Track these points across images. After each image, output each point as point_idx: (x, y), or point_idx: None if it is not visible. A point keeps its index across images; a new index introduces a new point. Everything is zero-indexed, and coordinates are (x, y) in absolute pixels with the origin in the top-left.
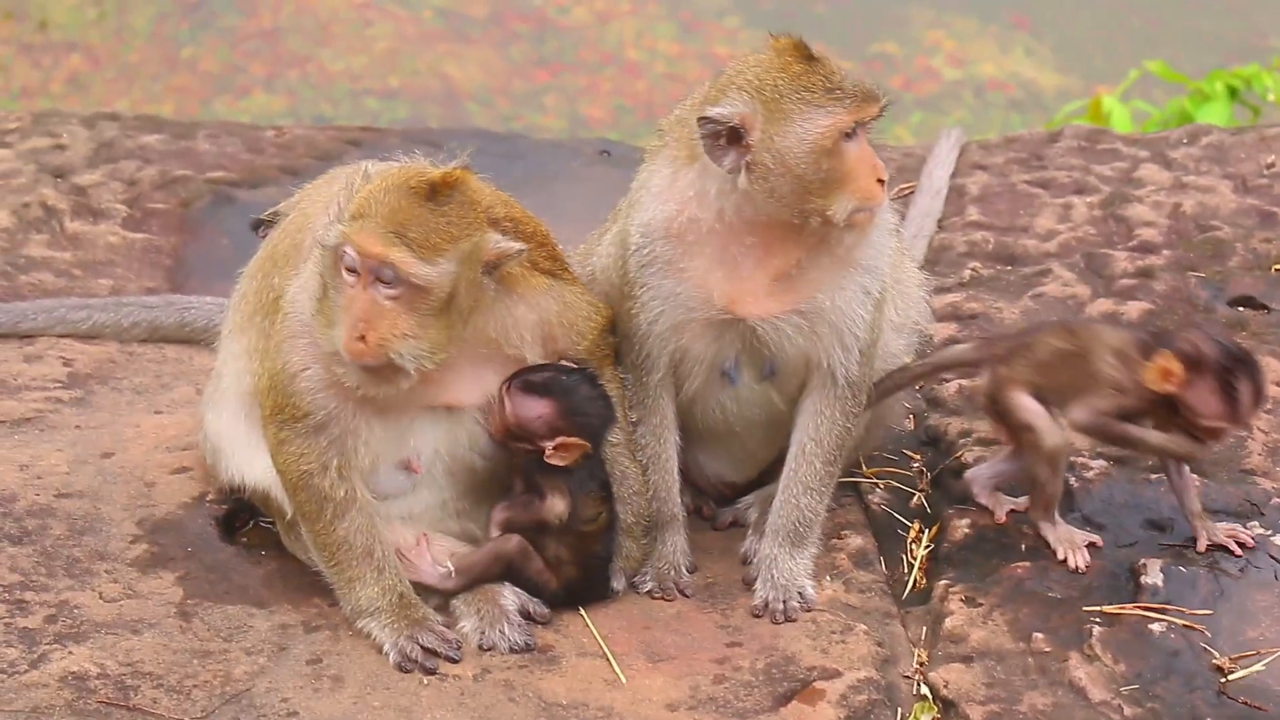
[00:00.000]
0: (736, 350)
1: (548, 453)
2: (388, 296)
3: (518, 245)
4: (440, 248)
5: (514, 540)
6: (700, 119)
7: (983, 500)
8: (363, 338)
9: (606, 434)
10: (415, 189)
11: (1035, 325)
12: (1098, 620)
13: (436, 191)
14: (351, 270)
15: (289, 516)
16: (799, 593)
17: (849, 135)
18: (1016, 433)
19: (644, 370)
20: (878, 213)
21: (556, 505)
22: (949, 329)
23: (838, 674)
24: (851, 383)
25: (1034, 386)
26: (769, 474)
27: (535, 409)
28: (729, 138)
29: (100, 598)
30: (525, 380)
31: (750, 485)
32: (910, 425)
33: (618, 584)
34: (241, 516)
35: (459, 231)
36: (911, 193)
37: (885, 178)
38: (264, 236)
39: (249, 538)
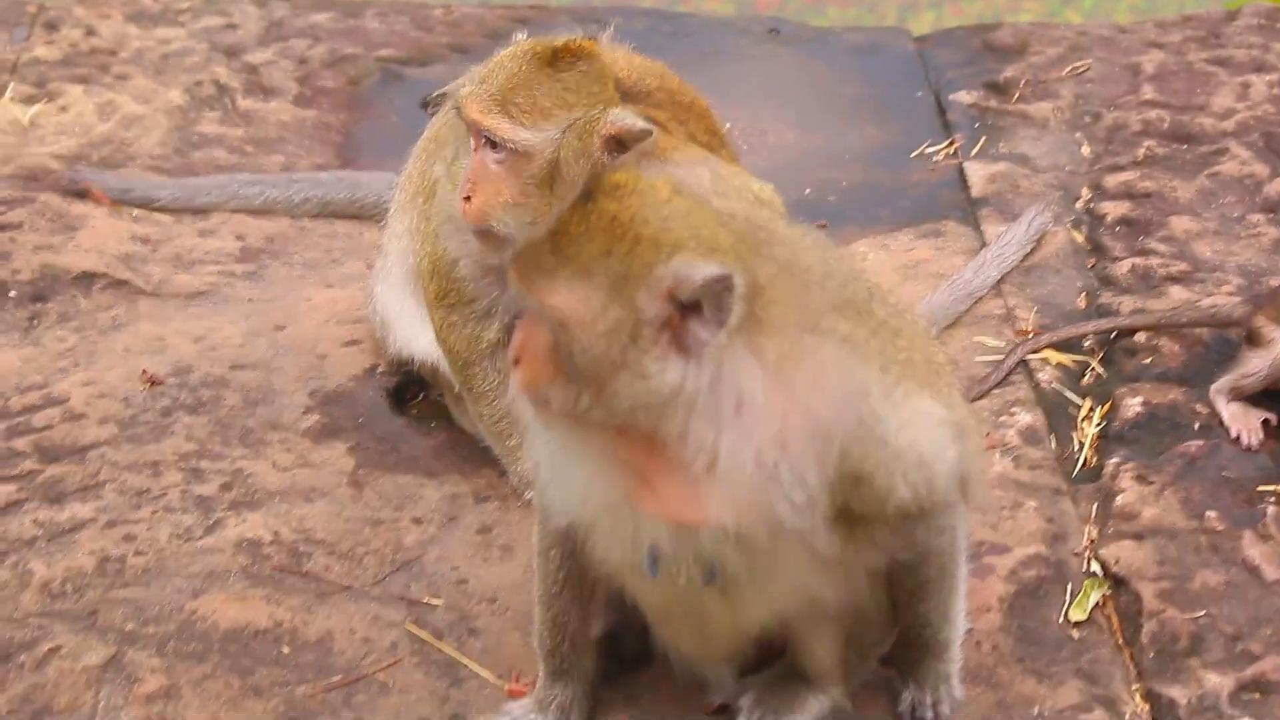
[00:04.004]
0: None
1: None
2: (494, 161)
3: (642, 125)
4: (549, 113)
5: None
6: None
7: (1226, 415)
8: (468, 199)
9: None
10: (538, 55)
11: None
12: (1273, 500)
13: (557, 59)
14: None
15: (457, 390)
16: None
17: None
18: (1255, 341)
19: None
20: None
21: None
22: (1123, 207)
23: (1006, 549)
24: None
25: None
26: None
27: None
28: None
29: (274, 467)
30: None
31: None
32: (1082, 304)
33: None
34: (411, 389)
35: (574, 99)
36: (1087, 70)
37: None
38: (433, 115)
39: (419, 410)
